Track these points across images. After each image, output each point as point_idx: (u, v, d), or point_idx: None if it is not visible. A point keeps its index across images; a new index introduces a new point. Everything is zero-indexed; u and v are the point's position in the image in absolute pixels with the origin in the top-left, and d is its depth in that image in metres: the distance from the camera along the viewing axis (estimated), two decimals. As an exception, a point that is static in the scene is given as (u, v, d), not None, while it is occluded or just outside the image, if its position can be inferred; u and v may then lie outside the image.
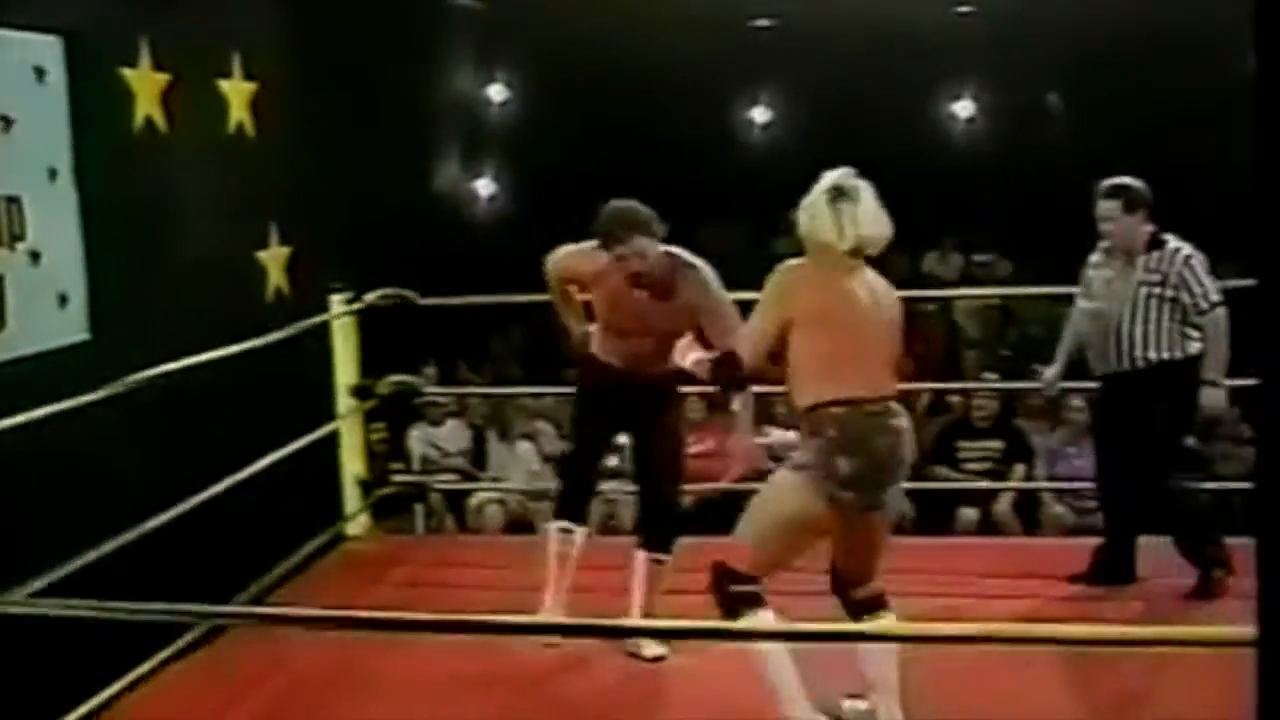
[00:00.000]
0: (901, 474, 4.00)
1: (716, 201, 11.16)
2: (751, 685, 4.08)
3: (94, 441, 4.38)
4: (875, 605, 4.12)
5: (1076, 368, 5.68)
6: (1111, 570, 5.40)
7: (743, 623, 3.97)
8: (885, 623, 4.11)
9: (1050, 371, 5.77)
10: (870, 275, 4.09)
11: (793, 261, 4.06)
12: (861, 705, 4.17)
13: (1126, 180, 5.27)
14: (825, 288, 3.98)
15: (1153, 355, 5.19)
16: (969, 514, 7.72)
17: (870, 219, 4.02)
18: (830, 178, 4.05)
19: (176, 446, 4.89)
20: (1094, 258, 5.47)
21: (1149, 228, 5.26)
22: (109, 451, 4.51)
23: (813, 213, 4.02)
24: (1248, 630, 2.22)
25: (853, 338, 3.95)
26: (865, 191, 4.04)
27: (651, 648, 4.84)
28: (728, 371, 4.13)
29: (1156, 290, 5.19)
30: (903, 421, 3.97)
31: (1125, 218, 5.23)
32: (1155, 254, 5.22)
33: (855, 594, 4.12)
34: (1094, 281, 5.41)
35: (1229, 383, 5.18)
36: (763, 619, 3.97)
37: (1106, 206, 5.26)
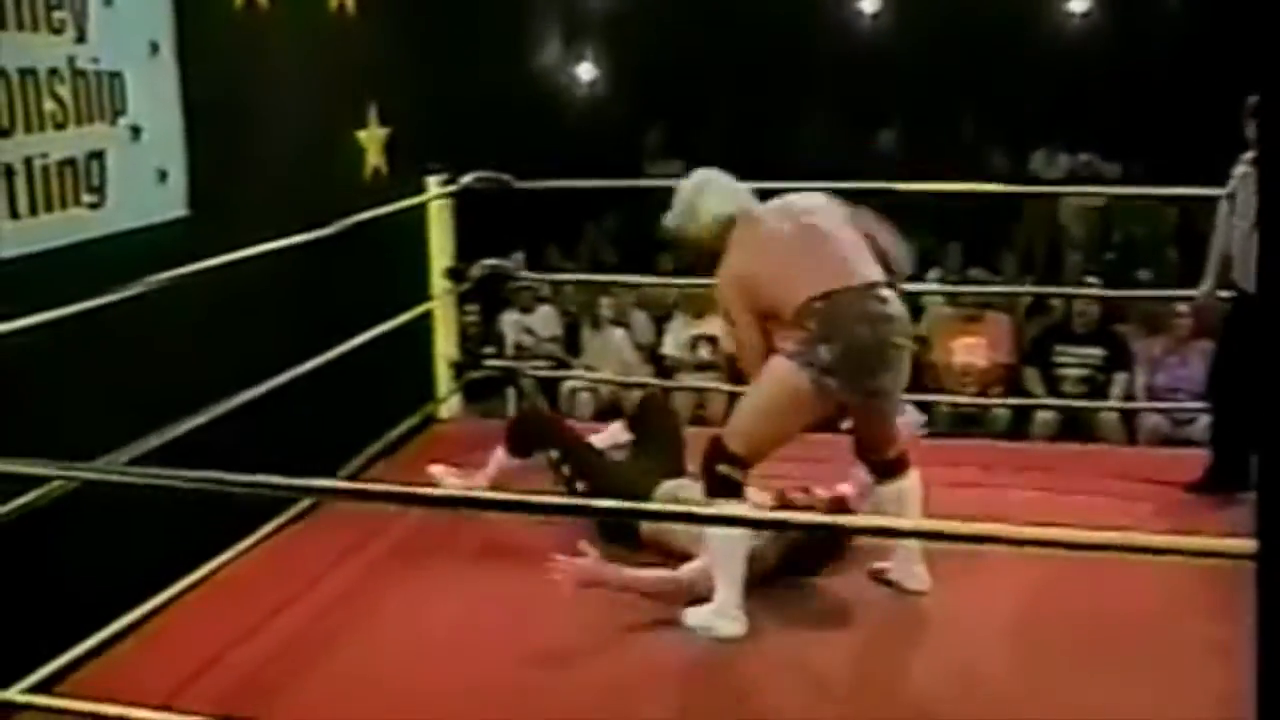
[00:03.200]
0: (893, 358, 4.12)
1: (821, 90, 10.98)
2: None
3: (191, 317, 4.43)
4: (895, 468, 4.33)
5: (1183, 275, 5.56)
6: (1225, 478, 5.33)
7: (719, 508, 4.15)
8: (904, 485, 4.32)
9: (1204, 287, 5.59)
10: (788, 204, 4.35)
11: (725, 262, 4.29)
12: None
13: None
14: (756, 250, 4.24)
15: None
16: (1045, 417, 7.63)
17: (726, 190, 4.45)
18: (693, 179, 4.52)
19: (273, 324, 4.93)
20: (1240, 169, 5.26)
21: None
22: (208, 327, 4.56)
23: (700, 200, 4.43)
24: (1248, 544, 2.19)
25: (805, 252, 4.15)
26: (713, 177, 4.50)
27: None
28: None
29: None
30: (889, 307, 4.10)
31: None
32: None
33: (875, 458, 4.34)
34: (1246, 195, 5.22)
35: None
36: (737, 508, 4.15)
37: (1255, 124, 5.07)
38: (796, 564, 4.47)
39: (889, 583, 4.44)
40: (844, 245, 4.19)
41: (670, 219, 4.53)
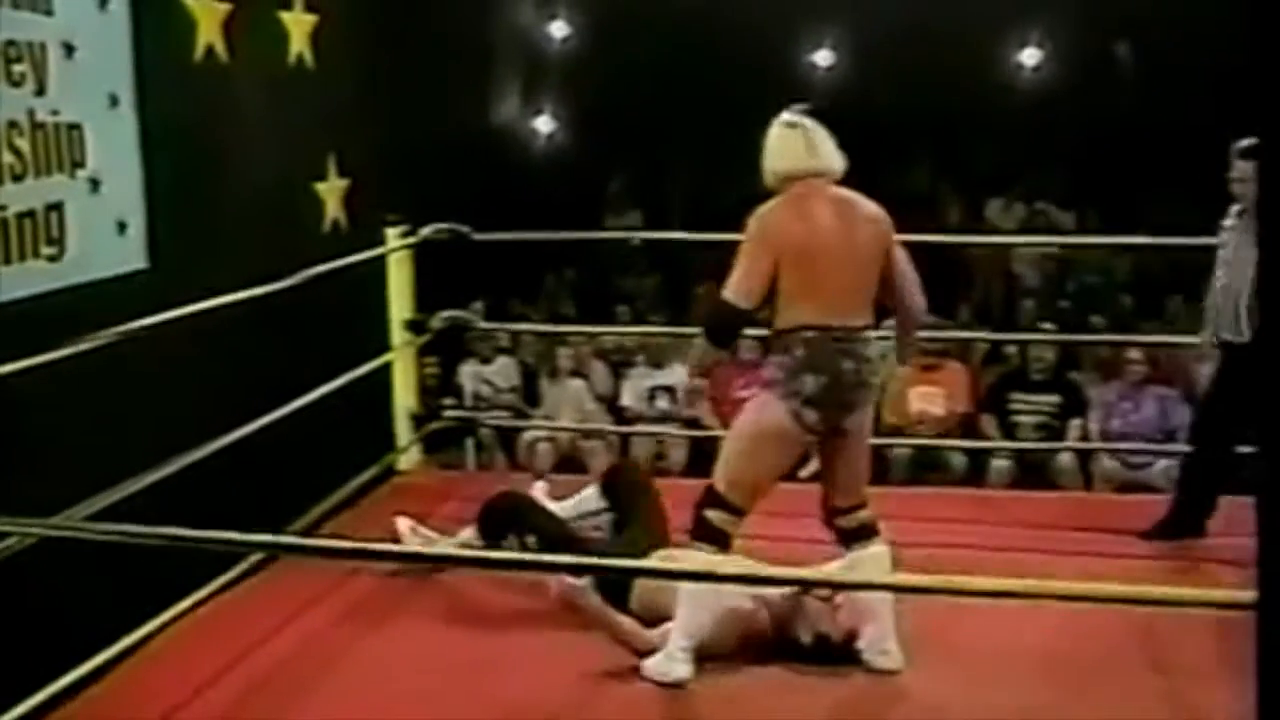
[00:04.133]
0: (865, 398, 4.19)
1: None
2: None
3: (150, 369, 4.42)
4: (863, 534, 4.28)
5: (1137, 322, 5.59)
6: (1183, 525, 5.36)
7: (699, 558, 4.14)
8: (874, 551, 4.25)
9: (1203, 335, 5.59)
10: (846, 200, 4.22)
11: (768, 204, 4.20)
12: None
13: None
14: (803, 222, 4.13)
15: None
16: (1002, 464, 7.68)
17: (829, 143, 4.25)
18: (784, 115, 4.31)
19: (231, 376, 4.92)
20: (1227, 221, 5.28)
21: None
22: (165, 380, 4.55)
23: (776, 143, 4.28)
24: (1248, 594, 2.21)
25: (824, 269, 4.09)
26: (818, 125, 4.28)
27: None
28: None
29: None
30: (869, 350, 4.16)
31: None
32: None
33: (841, 523, 4.30)
34: (1225, 245, 5.21)
35: None
36: (715, 560, 4.12)
37: (1244, 167, 5.03)
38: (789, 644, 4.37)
39: (859, 660, 4.28)
40: (855, 280, 4.16)
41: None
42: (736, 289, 4.12)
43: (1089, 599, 3.40)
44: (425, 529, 5.24)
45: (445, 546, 5.11)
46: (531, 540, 4.93)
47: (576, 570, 4.32)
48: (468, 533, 5.14)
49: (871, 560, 4.23)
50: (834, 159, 4.25)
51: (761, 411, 4.18)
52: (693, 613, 4.16)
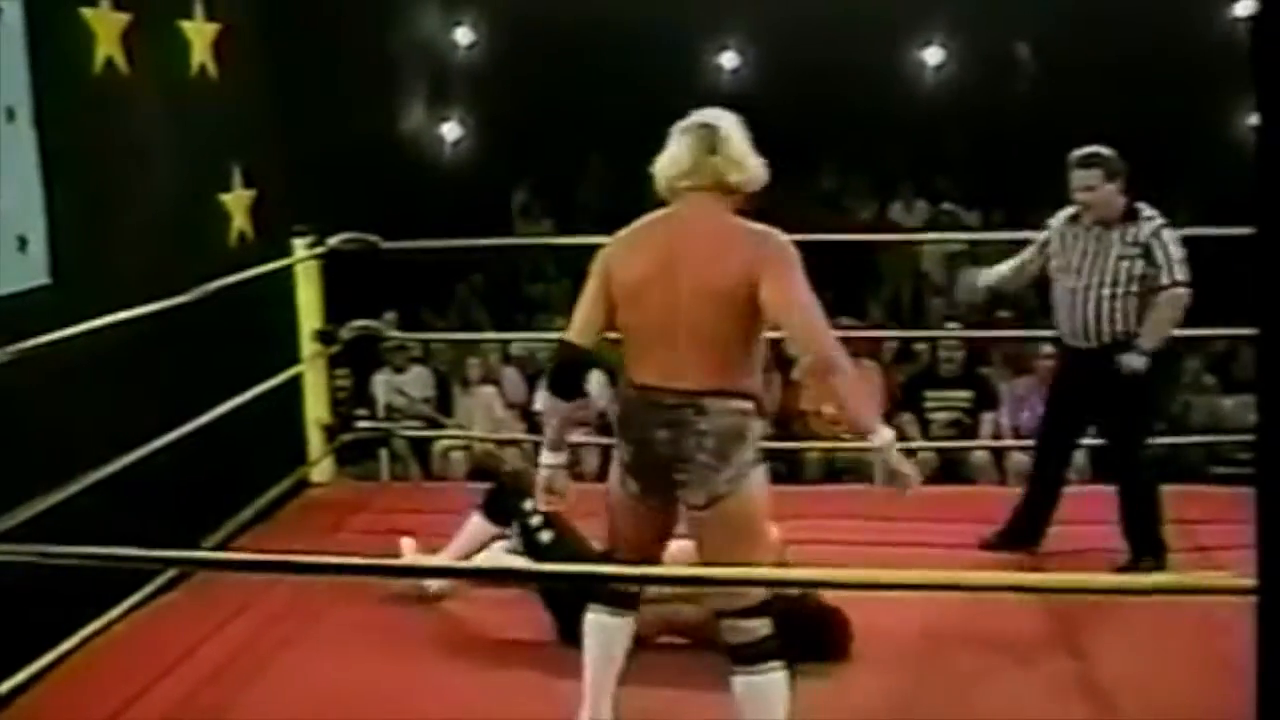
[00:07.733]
0: (692, 475, 3.45)
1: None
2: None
3: (55, 386, 4.34)
4: (753, 655, 3.50)
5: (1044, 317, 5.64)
6: (1022, 534, 5.37)
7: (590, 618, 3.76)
8: (769, 680, 3.51)
9: (982, 278, 5.70)
10: (713, 230, 3.53)
11: (618, 234, 3.69)
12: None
13: (1099, 149, 5.10)
14: (636, 254, 3.57)
15: (1119, 328, 5.06)
16: (919, 459, 7.75)
17: (718, 154, 3.57)
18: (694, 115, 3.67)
19: (139, 391, 4.85)
20: (1057, 221, 5.30)
21: (1123, 198, 5.11)
22: (70, 397, 4.47)
23: (668, 147, 3.64)
24: (1248, 579, 2.26)
25: (649, 315, 3.50)
26: (727, 124, 3.64)
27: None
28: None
29: (1135, 265, 5.03)
30: (704, 421, 3.43)
31: (1105, 186, 5.06)
32: (1132, 227, 5.06)
33: (726, 635, 3.54)
34: (1068, 251, 5.21)
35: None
36: (600, 621, 3.72)
37: (1084, 175, 5.10)
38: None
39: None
40: (694, 331, 3.45)
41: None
42: (573, 324, 3.64)
43: (1083, 591, 3.40)
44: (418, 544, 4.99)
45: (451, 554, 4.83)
46: (537, 520, 4.64)
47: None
48: (474, 520, 4.85)
49: (763, 693, 3.50)
50: (713, 170, 3.56)
51: (611, 473, 3.70)
52: (596, 673, 3.75)
